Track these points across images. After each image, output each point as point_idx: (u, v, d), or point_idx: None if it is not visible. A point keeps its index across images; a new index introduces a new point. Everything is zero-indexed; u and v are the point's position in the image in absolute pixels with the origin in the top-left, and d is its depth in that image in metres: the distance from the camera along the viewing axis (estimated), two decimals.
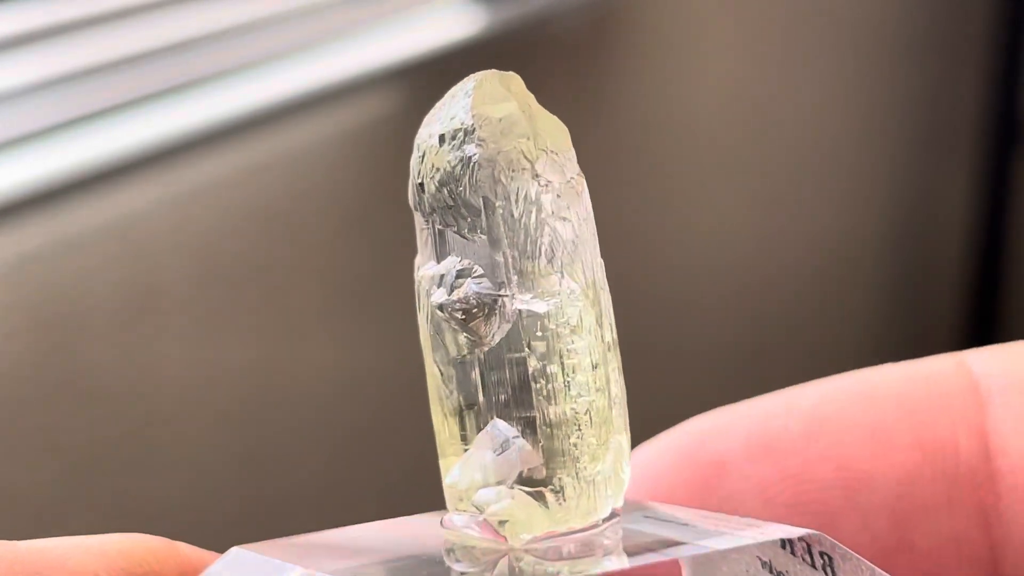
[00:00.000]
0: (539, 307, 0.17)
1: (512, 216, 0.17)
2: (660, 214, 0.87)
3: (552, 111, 0.18)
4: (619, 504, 0.18)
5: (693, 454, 0.20)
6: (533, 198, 0.17)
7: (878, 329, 1.10)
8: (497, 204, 0.17)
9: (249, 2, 0.65)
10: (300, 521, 0.65)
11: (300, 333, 0.65)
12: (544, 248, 0.17)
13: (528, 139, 0.17)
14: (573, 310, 0.17)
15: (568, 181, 0.18)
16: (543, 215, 0.17)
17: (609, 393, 0.18)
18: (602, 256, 0.18)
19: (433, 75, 0.68)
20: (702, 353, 0.93)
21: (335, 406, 0.67)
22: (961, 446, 0.19)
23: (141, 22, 0.61)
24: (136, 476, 0.59)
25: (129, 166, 0.58)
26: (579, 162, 0.19)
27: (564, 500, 0.17)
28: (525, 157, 0.17)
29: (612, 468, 0.17)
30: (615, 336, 0.18)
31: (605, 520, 0.17)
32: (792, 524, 0.19)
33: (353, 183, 0.66)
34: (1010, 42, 1.11)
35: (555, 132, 0.18)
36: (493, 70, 0.18)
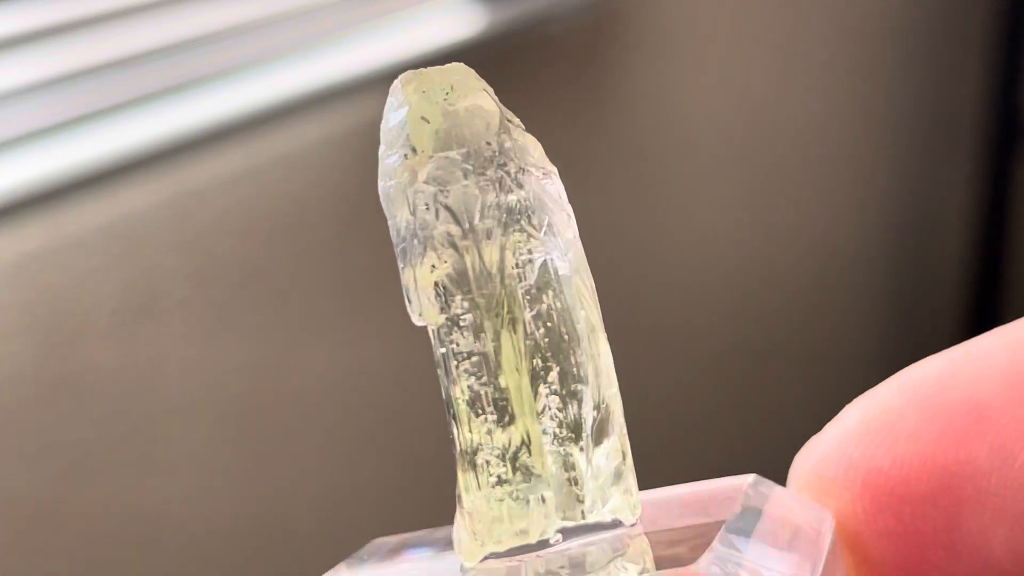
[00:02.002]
0: (429, 326, 0.17)
1: (395, 230, 0.17)
2: (659, 214, 0.87)
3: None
4: (625, 516, 0.17)
5: (941, 401, 0.17)
6: (411, 210, 0.17)
7: (878, 329, 1.10)
8: (388, 219, 0.17)
9: (249, 2, 0.65)
10: (300, 520, 0.65)
11: (300, 333, 0.65)
12: (423, 262, 0.16)
13: (408, 148, 0.17)
14: (459, 330, 0.16)
15: (463, 184, 0.16)
16: (422, 227, 0.17)
17: (516, 409, 0.16)
18: (599, 256, 0.18)
19: None
20: (703, 353, 0.93)
21: (335, 405, 0.67)
22: None
23: (141, 22, 0.61)
24: (136, 476, 0.59)
25: (129, 166, 0.58)
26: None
27: (475, 524, 0.17)
28: (406, 167, 0.16)
29: (537, 487, 0.16)
30: (565, 334, 0.17)
31: (603, 530, 0.17)
32: None
33: (353, 183, 0.66)
34: (1010, 42, 1.11)
35: (466, 127, 0.17)
36: (412, 71, 0.17)
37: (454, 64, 0.17)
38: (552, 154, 0.18)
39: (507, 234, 0.17)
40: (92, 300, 0.57)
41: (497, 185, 0.17)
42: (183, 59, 0.62)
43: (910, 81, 1.07)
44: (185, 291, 0.60)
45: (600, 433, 0.17)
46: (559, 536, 0.17)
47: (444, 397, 0.17)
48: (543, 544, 0.17)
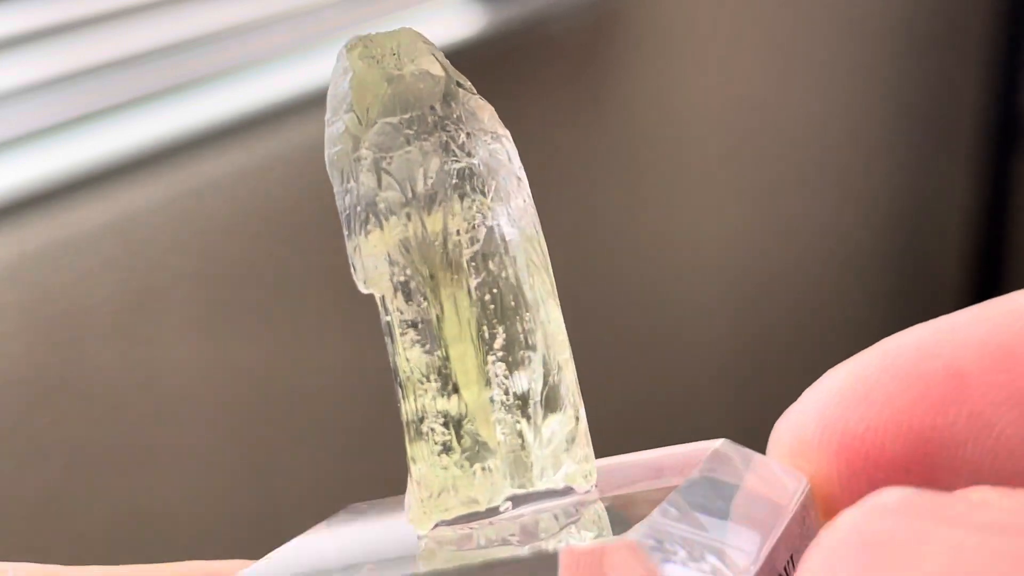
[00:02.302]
0: (375, 294, 0.17)
1: (340, 198, 0.17)
2: (659, 213, 0.87)
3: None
4: (578, 483, 0.17)
5: (919, 368, 0.17)
6: (355, 177, 0.16)
7: (878, 330, 1.10)
8: (334, 187, 0.17)
9: (248, 2, 0.65)
10: (301, 520, 0.65)
11: (300, 332, 0.65)
12: (367, 229, 0.16)
13: (352, 114, 0.16)
14: (403, 297, 0.16)
15: (406, 150, 0.16)
16: (365, 194, 0.16)
17: (461, 377, 0.16)
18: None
19: None
20: (703, 349, 0.93)
21: (336, 404, 0.67)
22: None
23: (141, 22, 0.61)
24: (136, 476, 0.59)
25: (129, 166, 0.58)
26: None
27: (423, 492, 0.17)
28: (349, 133, 0.16)
29: (483, 455, 0.16)
30: (512, 300, 0.16)
31: (557, 497, 0.16)
32: None
33: None
34: (1010, 42, 1.11)
35: (410, 92, 0.16)
36: (358, 35, 0.17)
37: (401, 28, 0.17)
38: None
39: (451, 200, 0.16)
40: (92, 300, 0.57)
41: (442, 151, 0.16)
42: (183, 59, 0.62)
43: (910, 80, 1.07)
44: (185, 291, 0.60)
45: (551, 400, 0.17)
46: (508, 504, 0.16)
47: (391, 366, 0.17)
48: (493, 512, 0.16)
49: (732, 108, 0.91)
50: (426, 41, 0.17)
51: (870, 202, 1.07)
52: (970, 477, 0.17)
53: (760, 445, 0.19)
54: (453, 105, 0.17)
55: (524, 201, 0.17)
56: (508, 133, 0.17)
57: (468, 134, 0.17)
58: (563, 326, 0.17)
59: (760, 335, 0.97)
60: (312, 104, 0.65)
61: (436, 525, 0.17)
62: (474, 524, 0.16)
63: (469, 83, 0.17)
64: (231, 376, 0.62)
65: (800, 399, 0.18)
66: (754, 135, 0.94)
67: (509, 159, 0.17)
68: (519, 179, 0.17)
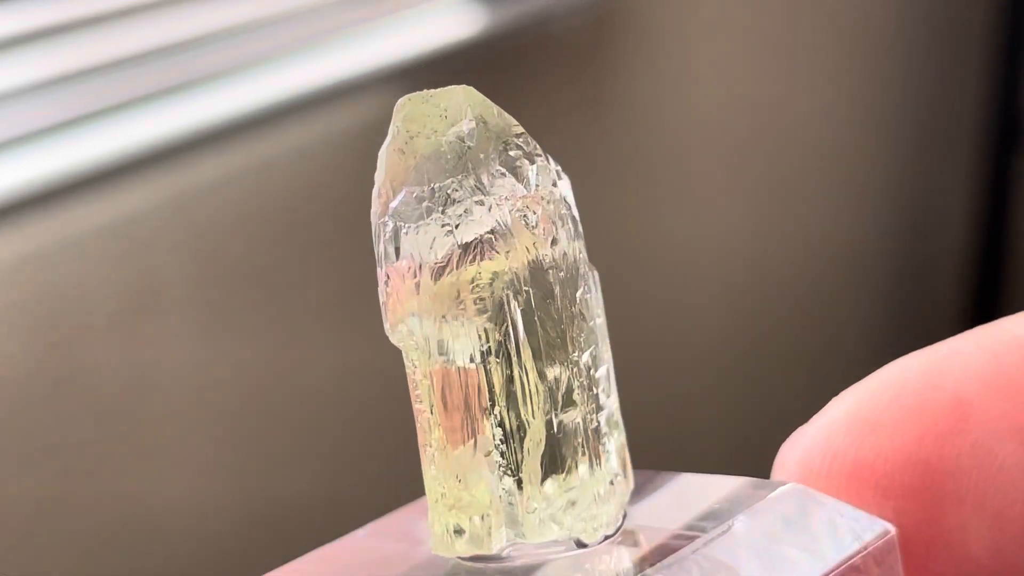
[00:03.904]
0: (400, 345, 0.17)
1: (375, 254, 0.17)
2: (660, 214, 0.87)
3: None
4: (588, 537, 0.17)
5: (926, 398, 0.18)
6: (378, 240, 0.17)
7: (878, 329, 1.10)
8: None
9: (249, 2, 0.65)
10: (299, 521, 0.66)
11: (300, 333, 0.65)
12: (384, 289, 0.17)
13: (384, 177, 0.17)
14: (414, 352, 0.17)
15: (423, 222, 0.16)
16: (385, 258, 0.17)
17: (452, 439, 0.17)
18: (600, 255, 0.17)
19: (433, 75, 0.68)
20: (703, 351, 0.93)
21: (335, 405, 0.67)
22: None
23: (141, 22, 0.61)
24: (136, 476, 0.59)
25: (129, 166, 0.58)
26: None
27: (432, 526, 0.17)
28: (381, 196, 0.17)
29: (474, 509, 0.17)
30: (517, 365, 0.17)
31: (574, 545, 0.17)
32: None
33: (353, 183, 0.66)
34: (1010, 42, 1.11)
35: (440, 161, 0.17)
36: (410, 95, 0.17)
37: (457, 87, 0.17)
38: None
39: (462, 272, 0.16)
40: (92, 300, 0.57)
41: (460, 223, 0.17)
42: (183, 59, 0.62)
43: (910, 81, 1.07)
44: (185, 291, 0.60)
45: (553, 463, 0.17)
46: (510, 550, 0.17)
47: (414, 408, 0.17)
48: (496, 557, 0.17)
49: (732, 108, 0.91)
50: (480, 102, 0.17)
51: (869, 201, 1.07)
52: (974, 505, 0.17)
53: (760, 449, 0.19)
54: (483, 175, 0.17)
55: (551, 261, 0.17)
56: (557, 192, 0.17)
57: (494, 204, 0.17)
58: (596, 383, 0.17)
59: (761, 333, 0.97)
60: (312, 105, 0.65)
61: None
62: (491, 563, 0.17)
63: (528, 140, 0.17)
64: (231, 376, 0.62)
65: (807, 425, 0.18)
66: (754, 135, 0.94)
67: (537, 223, 0.17)
68: (552, 240, 0.17)
